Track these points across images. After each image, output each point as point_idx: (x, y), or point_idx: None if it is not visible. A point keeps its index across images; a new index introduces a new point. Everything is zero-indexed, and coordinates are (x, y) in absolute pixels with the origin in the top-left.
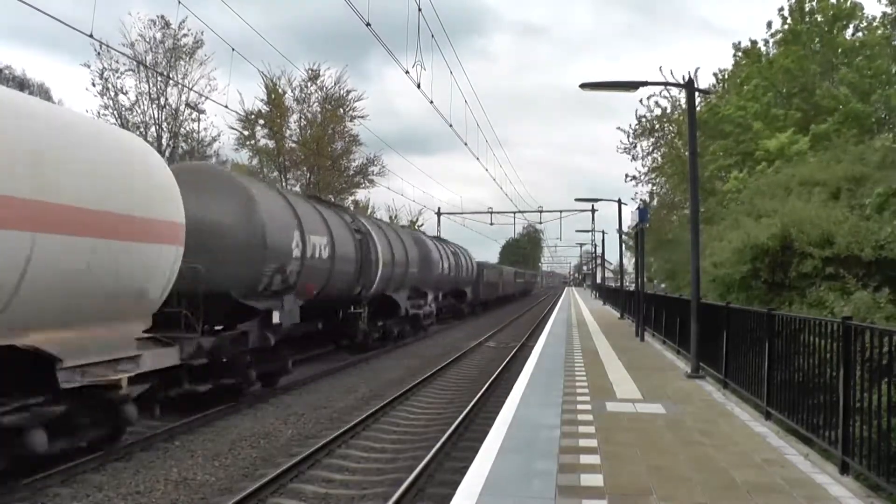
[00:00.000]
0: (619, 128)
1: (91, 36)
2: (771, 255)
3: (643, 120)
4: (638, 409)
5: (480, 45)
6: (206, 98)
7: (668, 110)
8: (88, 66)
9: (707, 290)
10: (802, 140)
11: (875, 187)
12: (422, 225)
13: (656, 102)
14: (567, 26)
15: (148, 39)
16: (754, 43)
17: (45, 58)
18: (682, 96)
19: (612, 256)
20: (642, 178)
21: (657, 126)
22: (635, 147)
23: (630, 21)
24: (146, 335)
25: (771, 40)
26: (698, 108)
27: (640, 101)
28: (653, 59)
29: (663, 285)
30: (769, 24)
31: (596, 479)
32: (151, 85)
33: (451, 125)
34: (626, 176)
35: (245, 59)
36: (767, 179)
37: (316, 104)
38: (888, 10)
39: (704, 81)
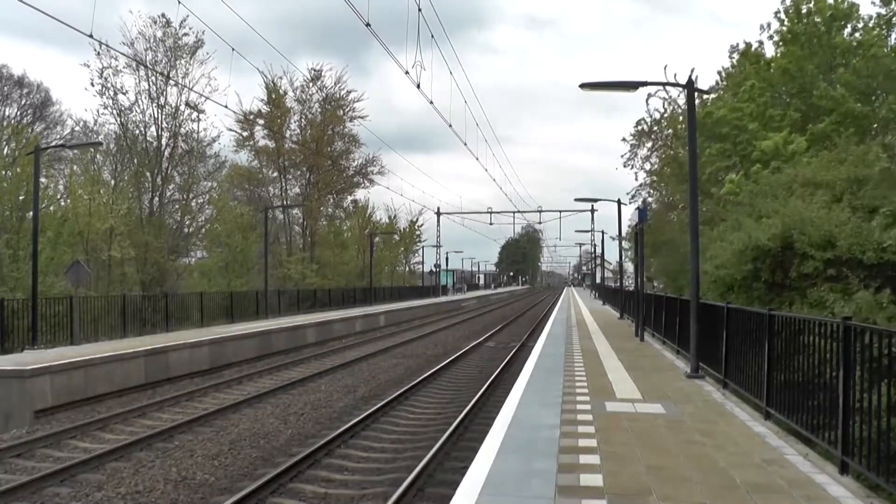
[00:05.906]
0: (623, 138)
1: (91, 36)
2: (772, 255)
3: (641, 123)
4: (637, 409)
5: (483, 39)
6: (207, 98)
7: (666, 114)
8: (88, 66)
9: (707, 291)
10: (799, 140)
11: (875, 190)
12: (422, 225)
13: (655, 109)
14: (573, 19)
15: (148, 37)
16: (749, 45)
17: (39, 50)
18: (677, 98)
19: (612, 256)
20: (644, 182)
21: (655, 129)
22: (636, 156)
23: (637, 14)
24: None
25: (768, 41)
26: (696, 110)
27: (647, 100)
28: (659, 52)
29: (663, 286)
30: (768, 25)
31: (595, 479)
32: (151, 84)
33: (450, 125)
34: (627, 193)
35: (244, 58)
36: (768, 180)
37: (316, 105)
38: (882, 10)
39: (709, 81)
